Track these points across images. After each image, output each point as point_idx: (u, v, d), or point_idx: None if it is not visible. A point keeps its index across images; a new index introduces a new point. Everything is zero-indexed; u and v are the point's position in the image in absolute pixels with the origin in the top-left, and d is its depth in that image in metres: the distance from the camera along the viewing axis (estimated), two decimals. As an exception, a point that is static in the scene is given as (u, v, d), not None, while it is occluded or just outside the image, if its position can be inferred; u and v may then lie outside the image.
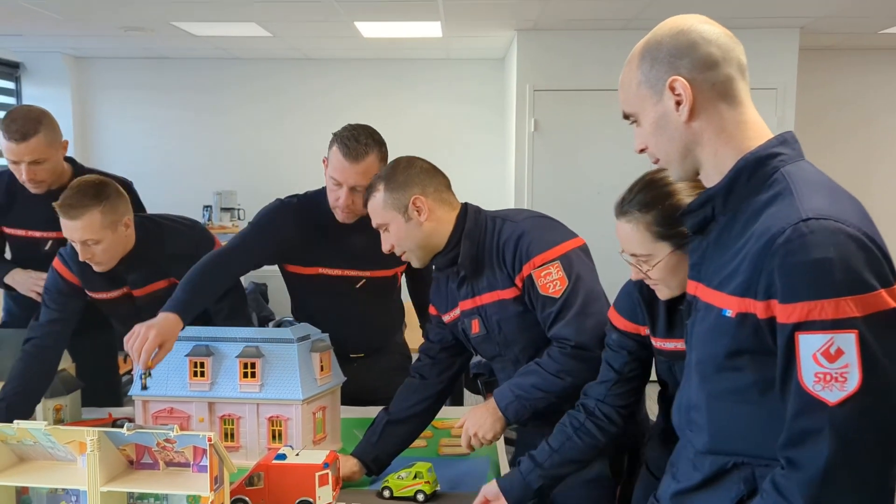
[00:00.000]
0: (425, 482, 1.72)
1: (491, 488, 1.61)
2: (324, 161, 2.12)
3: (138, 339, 1.78)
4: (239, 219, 6.36)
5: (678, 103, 1.09)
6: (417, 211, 1.76)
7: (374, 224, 1.83)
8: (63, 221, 1.99)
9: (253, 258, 2.16)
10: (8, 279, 2.49)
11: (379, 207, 1.79)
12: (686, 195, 1.41)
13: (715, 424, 1.06)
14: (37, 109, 2.39)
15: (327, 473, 1.65)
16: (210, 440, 1.48)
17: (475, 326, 1.83)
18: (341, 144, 2.03)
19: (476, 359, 3.11)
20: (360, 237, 2.14)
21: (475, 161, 6.39)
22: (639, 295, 1.54)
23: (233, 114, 6.61)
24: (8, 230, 2.51)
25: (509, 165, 5.65)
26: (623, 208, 1.45)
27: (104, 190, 2.03)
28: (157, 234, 2.20)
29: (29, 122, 2.27)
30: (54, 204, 2.00)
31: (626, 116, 1.18)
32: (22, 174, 2.31)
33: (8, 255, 2.57)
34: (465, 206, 1.84)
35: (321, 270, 2.22)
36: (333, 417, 2.04)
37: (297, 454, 1.69)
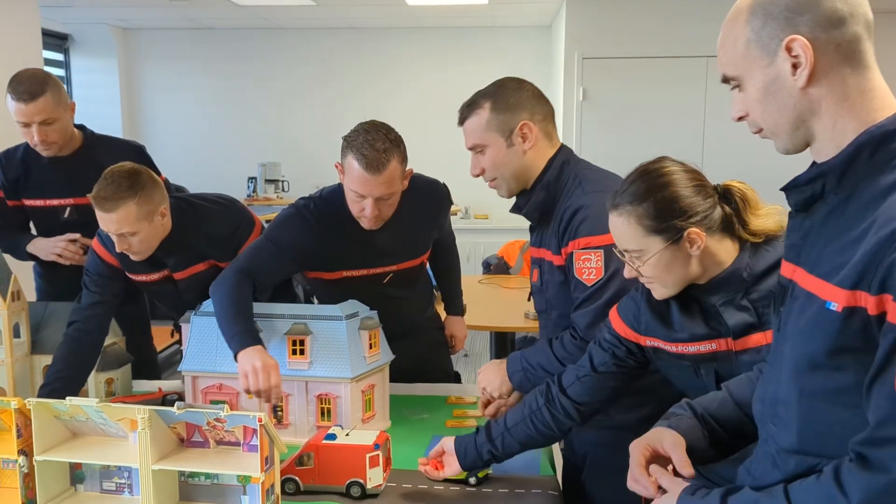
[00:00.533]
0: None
1: (449, 445, 1.62)
2: (337, 166, 1.95)
3: (263, 381, 1.76)
4: (283, 190, 6.37)
5: (795, 66, 0.94)
6: (523, 137, 1.68)
7: (467, 144, 1.74)
8: (98, 213, 1.95)
9: (275, 276, 2.05)
10: (30, 247, 2.52)
11: (479, 128, 1.69)
12: (683, 186, 1.32)
13: (806, 424, 0.96)
14: (41, 71, 2.41)
15: (378, 454, 1.61)
16: (260, 420, 1.45)
17: (535, 275, 1.82)
18: (358, 155, 1.84)
19: (521, 335, 3.02)
20: (384, 234, 2.03)
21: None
22: (646, 303, 1.45)
23: (277, 84, 6.60)
24: (28, 202, 2.52)
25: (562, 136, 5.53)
26: (615, 201, 1.36)
27: (139, 180, 1.97)
28: (193, 216, 2.14)
29: (35, 83, 2.30)
30: (90, 196, 1.96)
31: (727, 80, 1.03)
32: (34, 136, 2.33)
33: (33, 230, 2.60)
34: (560, 149, 1.75)
35: (345, 274, 2.09)
36: (382, 396, 2.01)
37: (348, 434, 1.66)
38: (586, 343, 1.62)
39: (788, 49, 0.94)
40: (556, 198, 1.71)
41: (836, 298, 0.90)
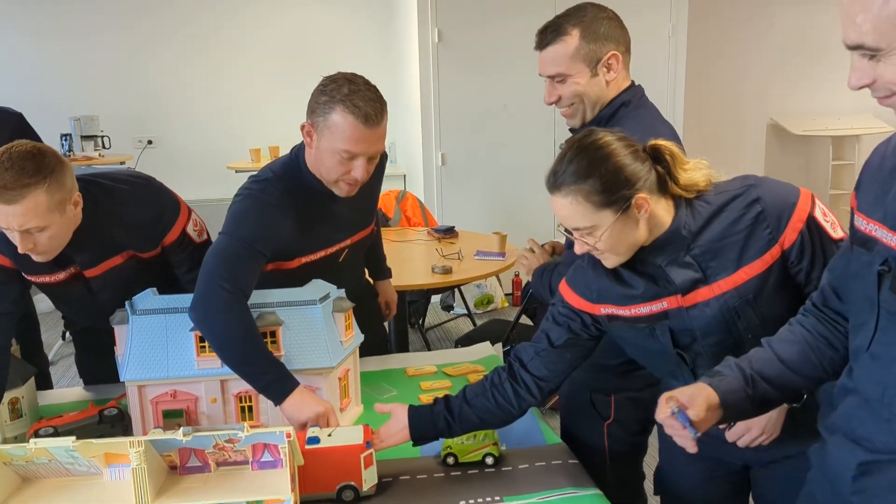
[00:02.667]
0: (493, 443, 1.59)
1: (398, 411, 1.55)
2: (306, 128, 1.70)
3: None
4: (104, 147, 5.66)
5: None
6: (607, 68, 1.64)
7: (548, 71, 1.65)
8: None
9: (255, 281, 1.68)
10: None
11: (565, 56, 1.62)
12: (623, 155, 1.32)
13: None
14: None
15: (371, 453, 1.47)
16: (289, 436, 1.26)
17: None
18: (351, 107, 1.61)
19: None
20: (343, 205, 1.83)
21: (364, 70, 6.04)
22: (594, 271, 1.46)
23: (84, 27, 5.77)
24: None
25: (409, 79, 5.37)
26: (556, 181, 1.33)
27: (45, 161, 1.57)
28: (107, 202, 1.77)
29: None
30: None
31: (858, 47, 0.92)
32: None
33: None
34: (629, 88, 1.71)
35: (304, 260, 1.85)
36: (355, 379, 1.85)
37: (330, 434, 1.49)
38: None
39: None
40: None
41: None
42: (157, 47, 5.81)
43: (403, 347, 3.28)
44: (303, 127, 1.71)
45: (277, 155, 5.13)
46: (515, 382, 1.51)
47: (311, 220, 1.80)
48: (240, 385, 1.69)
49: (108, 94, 5.83)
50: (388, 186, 6.16)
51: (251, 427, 1.29)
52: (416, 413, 1.53)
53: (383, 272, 2.34)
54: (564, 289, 1.51)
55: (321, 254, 1.87)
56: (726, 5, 6.11)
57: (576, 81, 1.63)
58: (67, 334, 2.17)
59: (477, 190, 5.10)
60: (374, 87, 1.69)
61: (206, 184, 5.57)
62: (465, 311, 4.71)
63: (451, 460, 1.59)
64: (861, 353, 1.09)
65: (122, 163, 5.34)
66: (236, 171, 5.26)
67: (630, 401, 1.72)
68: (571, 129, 1.76)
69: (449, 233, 3.78)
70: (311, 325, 1.69)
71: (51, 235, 1.62)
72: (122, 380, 1.65)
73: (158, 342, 1.66)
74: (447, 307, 5.15)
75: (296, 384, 1.60)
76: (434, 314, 5.09)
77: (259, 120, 5.99)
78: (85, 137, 5.63)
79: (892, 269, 1.00)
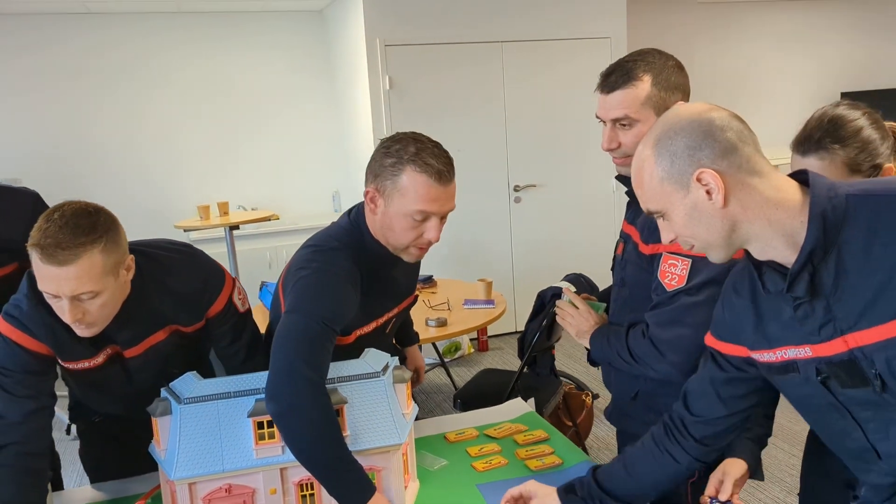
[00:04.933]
0: None
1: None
2: (370, 193, 1.62)
3: None
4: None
5: (709, 192, 1.08)
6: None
7: (613, 114, 1.59)
8: (43, 271, 1.40)
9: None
10: None
11: (636, 101, 1.57)
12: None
13: None
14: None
15: None
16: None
17: (620, 248, 1.76)
18: (424, 167, 1.55)
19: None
20: (401, 269, 1.77)
21: (309, 121, 5.93)
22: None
23: (16, 93, 5.41)
24: None
25: (359, 127, 5.29)
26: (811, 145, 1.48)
27: (100, 220, 1.44)
28: (154, 271, 1.62)
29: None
30: (29, 246, 1.39)
31: (651, 213, 1.17)
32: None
33: None
34: None
35: (359, 333, 1.73)
36: (412, 453, 1.73)
37: None
38: (653, 344, 1.58)
39: (699, 180, 1.08)
40: None
41: None
42: (94, 106, 5.51)
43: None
44: (366, 193, 1.62)
45: (227, 211, 4.92)
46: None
47: (373, 291, 1.70)
48: (300, 472, 1.53)
49: (33, 154, 5.47)
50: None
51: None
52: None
53: (412, 337, 2.24)
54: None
55: (374, 325, 1.76)
56: (656, 42, 6.35)
57: (642, 130, 1.57)
58: (73, 428, 1.94)
59: (436, 235, 5.05)
60: (440, 144, 1.62)
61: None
62: (439, 362, 4.60)
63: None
64: (867, 453, 1.14)
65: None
66: (185, 230, 5.00)
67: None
68: (620, 178, 1.72)
69: (428, 282, 3.69)
70: (376, 400, 1.56)
71: (103, 303, 1.46)
72: (171, 478, 1.47)
73: (210, 432, 1.49)
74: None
75: (374, 490, 1.47)
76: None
77: (207, 177, 5.77)
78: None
79: (825, 372, 1.10)
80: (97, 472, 1.88)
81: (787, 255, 1.09)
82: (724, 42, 6.69)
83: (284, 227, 5.76)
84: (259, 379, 1.54)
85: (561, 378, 3.56)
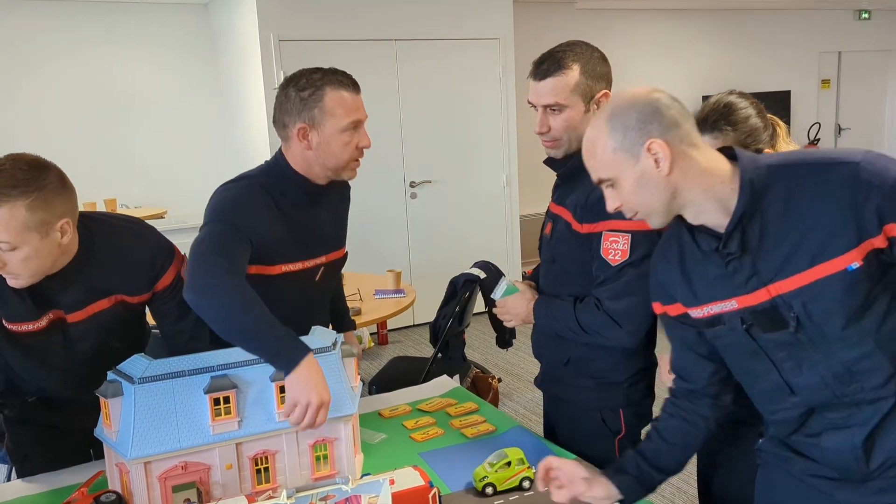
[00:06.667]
0: (527, 467, 1.63)
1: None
2: (301, 129, 1.73)
3: (308, 421, 1.51)
4: None
5: (657, 161, 1.23)
6: (597, 105, 1.72)
7: (545, 100, 1.71)
8: None
9: (245, 269, 1.68)
10: None
11: (566, 88, 1.69)
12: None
13: (887, 347, 1.21)
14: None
15: (435, 491, 1.45)
16: (392, 482, 1.22)
17: (548, 228, 1.84)
18: (338, 83, 1.72)
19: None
20: (321, 212, 1.88)
21: (195, 117, 5.78)
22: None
23: None
24: None
25: (252, 124, 5.21)
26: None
27: (41, 176, 1.46)
28: (106, 236, 1.64)
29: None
30: None
31: (601, 181, 1.31)
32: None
33: None
34: None
35: (284, 268, 1.81)
36: (357, 426, 1.79)
37: (386, 480, 1.44)
38: (608, 316, 1.69)
39: (649, 150, 1.23)
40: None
41: (853, 259, 1.16)
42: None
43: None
44: (298, 132, 1.72)
45: (115, 208, 4.73)
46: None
47: (294, 223, 1.79)
48: (254, 447, 1.57)
49: None
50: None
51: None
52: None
53: (348, 323, 2.29)
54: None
55: (300, 265, 1.84)
56: (540, 43, 6.64)
57: (571, 115, 1.71)
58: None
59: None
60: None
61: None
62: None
63: (489, 490, 1.60)
64: (781, 391, 1.32)
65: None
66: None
67: (636, 415, 1.83)
68: (549, 161, 1.85)
69: (335, 274, 3.73)
70: (328, 373, 1.61)
71: (24, 257, 1.47)
72: (127, 458, 1.46)
73: (166, 411, 1.50)
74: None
75: (308, 350, 1.54)
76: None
77: (92, 174, 5.50)
78: None
79: (749, 320, 1.27)
80: (26, 464, 1.82)
81: (718, 218, 1.25)
82: (600, 46, 6.99)
83: (172, 226, 5.57)
84: (213, 357, 1.56)
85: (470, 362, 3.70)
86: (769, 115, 1.87)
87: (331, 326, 2.18)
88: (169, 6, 5.71)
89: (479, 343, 5.11)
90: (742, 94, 1.83)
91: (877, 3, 8.66)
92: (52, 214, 1.48)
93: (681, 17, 7.82)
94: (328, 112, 1.70)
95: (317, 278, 1.91)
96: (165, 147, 5.74)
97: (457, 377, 2.31)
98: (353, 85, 1.74)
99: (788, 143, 1.86)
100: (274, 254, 1.77)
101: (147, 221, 1.81)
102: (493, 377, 3.68)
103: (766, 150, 1.79)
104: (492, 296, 1.92)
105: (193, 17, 5.80)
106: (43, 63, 5.38)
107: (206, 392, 1.51)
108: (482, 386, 3.54)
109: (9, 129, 5.26)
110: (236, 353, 1.58)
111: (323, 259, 1.91)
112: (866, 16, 9.07)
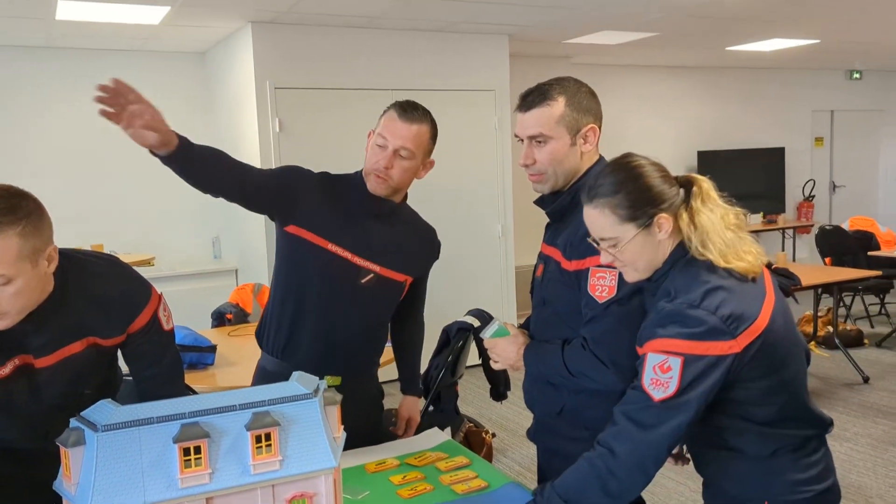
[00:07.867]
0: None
1: None
2: (369, 135, 2.01)
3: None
4: None
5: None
6: (584, 139, 1.69)
7: (528, 132, 1.68)
8: None
9: (261, 177, 1.95)
10: None
11: (550, 120, 1.66)
12: (654, 176, 1.47)
13: None
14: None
15: None
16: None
17: (539, 270, 1.83)
18: (397, 107, 1.95)
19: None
20: (382, 227, 2.01)
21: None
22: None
23: None
24: None
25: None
26: (590, 194, 1.50)
27: (22, 203, 1.38)
28: (80, 275, 1.54)
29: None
30: None
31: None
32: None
33: None
34: (599, 160, 1.75)
35: (330, 246, 1.94)
36: (339, 480, 1.67)
37: None
38: (595, 356, 1.62)
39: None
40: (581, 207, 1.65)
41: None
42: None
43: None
44: (369, 134, 2.01)
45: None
46: None
47: (346, 210, 1.97)
48: (227, 501, 1.45)
49: None
50: (219, 281, 5.85)
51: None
52: None
53: (414, 387, 2.27)
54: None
55: (347, 254, 1.95)
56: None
57: (556, 147, 1.67)
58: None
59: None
60: (429, 113, 1.99)
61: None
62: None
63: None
64: None
65: None
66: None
67: None
68: (539, 201, 1.79)
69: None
70: (308, 422, 1.51)
71: (16, 291, 1.38)
72: (85, 515, 1.34)
73: (131, 462, 1.38)
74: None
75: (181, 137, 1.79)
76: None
77: (81, 219, 5.46)
78: None
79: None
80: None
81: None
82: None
83: (162, 273, 5.51)
84: (185, 403, 1.45)
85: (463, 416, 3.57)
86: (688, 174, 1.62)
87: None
88: (166, 54, 5.74)
89: (472, 396, 4.97)
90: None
91: (868, 64, 8.80)
92: (41, 241, 1.42)
93: (676, 74, 7.91)
94: (379, 125, 1.96)
95: (363, 281, 1.97)
96: (157, 194, 5.68)
97: (448, 430, 2.20)
98: (405, 110, 1.92)
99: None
100: (321, 224, 1.94)
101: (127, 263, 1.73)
102: (488, 432, 3.56)
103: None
104: (481, 335, 1.84)
105: (190, 66, 5.83)
106: (39, 110, 5.37)
107: (176, 441, 1.40)
108: (475, 441, 3.41)
109: (1, 173, 5.22)
110: (210, 399, 1.48)
111: (375, 268, 1.98)
112: (857, 76, 9.21)
